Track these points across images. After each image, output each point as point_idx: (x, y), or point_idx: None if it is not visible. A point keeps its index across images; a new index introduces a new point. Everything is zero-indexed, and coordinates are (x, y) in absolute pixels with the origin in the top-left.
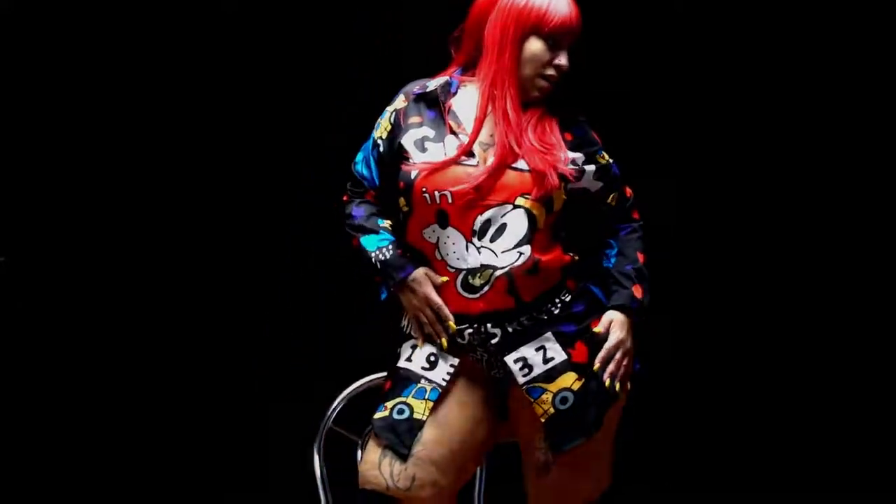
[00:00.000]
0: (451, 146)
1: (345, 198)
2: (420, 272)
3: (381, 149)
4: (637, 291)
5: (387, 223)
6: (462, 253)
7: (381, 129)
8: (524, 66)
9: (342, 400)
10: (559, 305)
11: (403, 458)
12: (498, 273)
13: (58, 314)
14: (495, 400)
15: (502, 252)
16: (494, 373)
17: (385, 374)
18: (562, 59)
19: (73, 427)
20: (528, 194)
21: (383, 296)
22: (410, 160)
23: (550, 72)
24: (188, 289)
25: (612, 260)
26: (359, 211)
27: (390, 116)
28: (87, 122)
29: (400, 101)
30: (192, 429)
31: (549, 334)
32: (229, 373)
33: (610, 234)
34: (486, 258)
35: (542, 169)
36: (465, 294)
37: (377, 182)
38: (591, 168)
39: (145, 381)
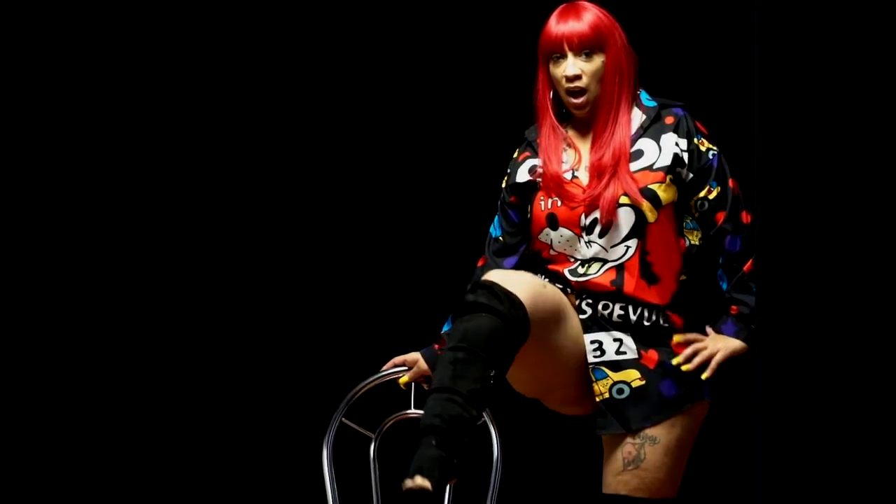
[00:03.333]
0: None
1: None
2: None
3: (504, 195)
4: (733, 310)
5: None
6: (576, 247)
7: (504, 183)
8: (558, 88)
9: (354, 394)
10: (652, 321)
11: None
12: (608, 265)
13: (57, 316)
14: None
15: (611, 247)
16: None
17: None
18: (567, 70)
19: (77, 425)
20: (628, 194)
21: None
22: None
23: (565, 85)
24: (200, 279)
25: (724, 285)
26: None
27: (508, 169)
28: (86, 125)
29: (516, 152)
30: (203, 422)
31: (627, 333)
32: (240, 366)
33: (717, 246)
34: (595, 252)
35: (599, 193)
36: (570, 277)
37: (496, 232)
38: (685, 157)
39: (153, 375)
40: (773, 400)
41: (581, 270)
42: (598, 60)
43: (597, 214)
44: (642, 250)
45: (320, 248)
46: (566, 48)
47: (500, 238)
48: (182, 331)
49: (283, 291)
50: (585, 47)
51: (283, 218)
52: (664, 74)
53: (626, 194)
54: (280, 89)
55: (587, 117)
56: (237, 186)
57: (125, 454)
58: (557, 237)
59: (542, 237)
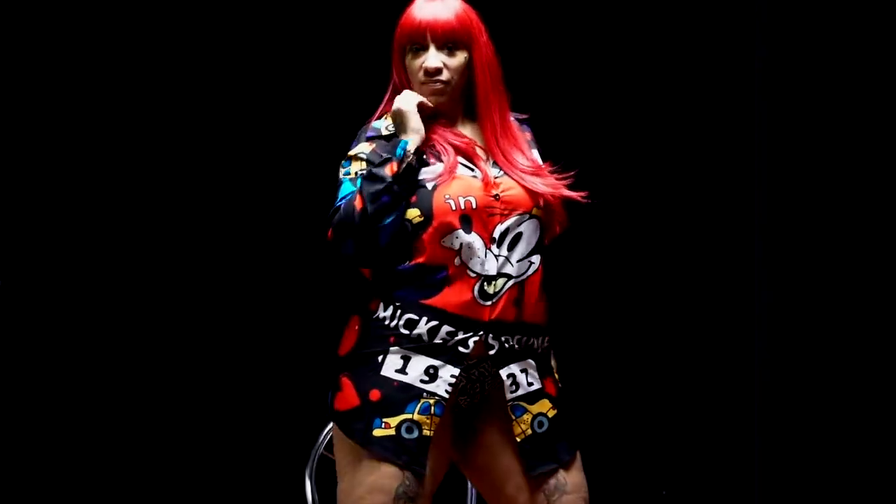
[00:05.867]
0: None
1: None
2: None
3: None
4: None
5: None
6: (482, 259)
7: (355, 168)
8: (413, 83)
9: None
10: (540, 345)
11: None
12: (511, 282)
13: (45, 328)
14: (455, 434)
15: (517, 261)
16: (462, 399)
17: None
18: (427, 62)
19: (54, 459)
20: (540, 205)
21: (402, 148)
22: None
23: (422, 78)
24: (178, 315)
25: None
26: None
27: (357, 158)
28: (76, 128)
29: (367, 146)
30: (185, 454)
31: (530, 360)
32: (220, 398)
33: None
34: (502, 266)
35: (547, 194)
36: (480, 300)
37: None
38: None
39: (140, 410)
40: (771, 401)
41: (489, 290)
42: (461, 56)
43: (508, 224)
44: (541, 266)
45: (302, 279)
46: (429, 39)
47: None
48: (166, 360)
49: (265, 320)
50: (449, 40)
51: (259, 248)
52: (664, 74)
53: (538, 205)
54: (247, 98)
55: (451, 114)
56: (214, 218)
57: (106, 480)
58: (467, 243)
59: (449, 242)
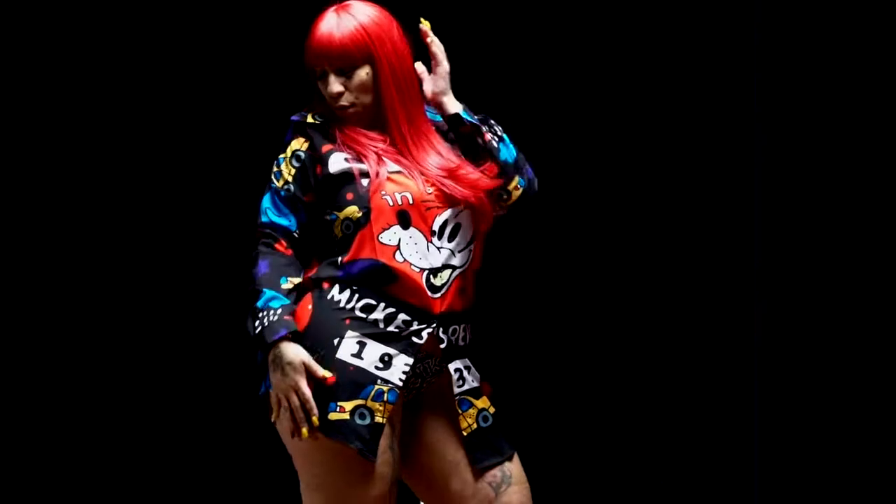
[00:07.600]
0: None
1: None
2: (298, 359)
3: (293, 189)
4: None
5: (290, 283)
6: (424, 252)
7: (286, 174)
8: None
9: None
10: (468, 340)
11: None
12: (456, 272)
13: (44, 331)
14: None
15: (459, 251)
16: (401, 391)
17: None
18: (329, 88)
19: (53, 459)
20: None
21: (258, 359)
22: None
23: (330, 102)
24: (177, 315)
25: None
26: (263, 266)
27: (290, 160)
28: (72, 131)
29: (300, 142)
30: (184, 455)
31: (467, 360)
32: (220, 398)
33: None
34: (445, 258)
35: (468, 197)
36: (430, 293)
37: (294, 223)
38: None
39: (138, 410)
40: (771, 401)
41: (436, 282)
42: (361, 73)
43: (446, 216)
44: (478, 254)
45: None
46: (326, 66)
47: (288, 238)
48: (166, 358)
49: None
50: (345, 64)
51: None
52: (663, 74)
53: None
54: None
55: (371, 121)
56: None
57: (105, 480)
58: (406, 238)
59: (388, 238)
